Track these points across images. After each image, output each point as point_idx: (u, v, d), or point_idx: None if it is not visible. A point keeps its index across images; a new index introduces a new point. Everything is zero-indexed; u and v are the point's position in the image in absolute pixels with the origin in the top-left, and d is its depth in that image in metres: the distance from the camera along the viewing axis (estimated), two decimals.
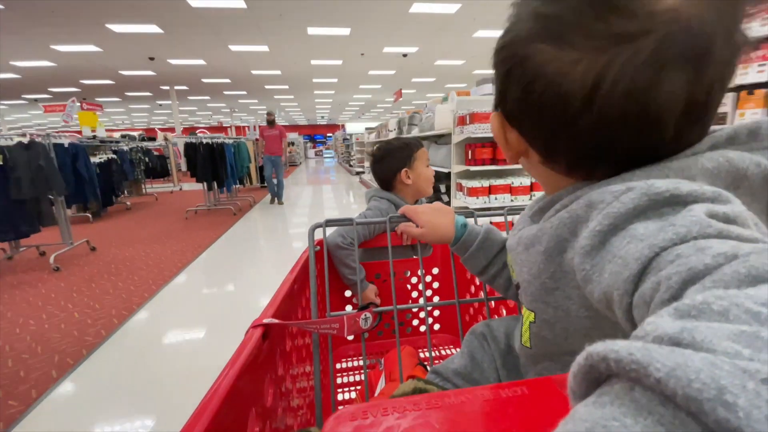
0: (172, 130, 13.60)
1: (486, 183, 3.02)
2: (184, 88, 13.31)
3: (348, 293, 1.19)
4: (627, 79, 0.31)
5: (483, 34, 8.32)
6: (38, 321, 2.38)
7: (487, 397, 0.31)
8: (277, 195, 6.66)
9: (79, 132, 7.01)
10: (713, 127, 0.35)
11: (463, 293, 1.19)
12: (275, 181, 6.60)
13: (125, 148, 6.51)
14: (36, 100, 13.93)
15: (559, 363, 0.46)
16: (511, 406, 0.30)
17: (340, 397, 1.05)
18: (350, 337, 1.15)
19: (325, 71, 11.70)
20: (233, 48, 8.73)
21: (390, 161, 1.26)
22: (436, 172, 4.18)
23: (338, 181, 11.10)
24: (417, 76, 13.01)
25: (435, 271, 1.24)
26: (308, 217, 5.32)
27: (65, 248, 3.70)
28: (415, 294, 1.25)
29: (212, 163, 5.35)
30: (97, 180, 4.37)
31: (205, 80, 12.29)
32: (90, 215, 5.37)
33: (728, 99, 1.87)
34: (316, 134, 34.76)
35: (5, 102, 14.51)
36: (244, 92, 14.90)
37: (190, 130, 13.82)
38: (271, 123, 6.38)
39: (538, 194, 0.52)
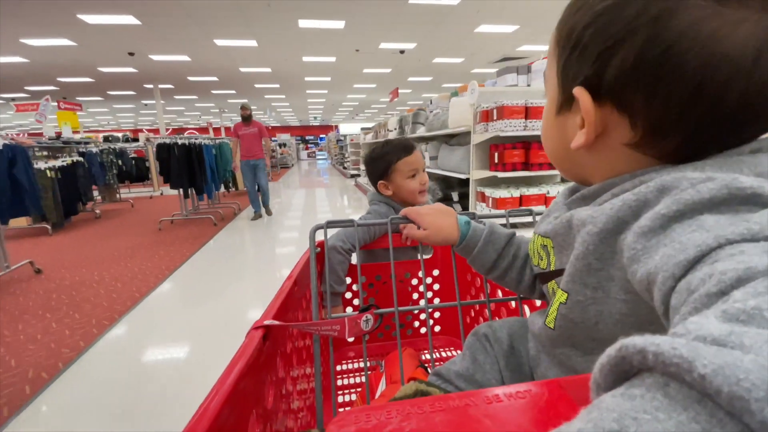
0: (158, 131, 12.87)
1: (516, 192, 2.45)
2: (170, 86, 12.64)
3: (348, 295, 1.19)
4: None
5: (485, 29, 7.83)
6: None
7: (491, 400, 0.30)
8: (263, 204, 5.47)
9: (59, 132, 6.31)
10: None
11: (464, 295, 1.19)
12: (260, 190, 5.40)
13: (94, 150, 5.82)
14: (13, 99, 13.13)
15: (579, 349, 0.45)
16: (515, 409, 0.29)
17: (340, 399, 1.04)
18: (351, 339, 1.15)
19: (317, 69, 11.13)
20: (219, 42, 8.14)
21: (370, 171, 1.23)
22: (448, 178, 3.64)
23: (331, 184, 10.48)
24: (413, 75, 12.51)
25: (436, 272, 1.24)
26: (299, 231, 4.61)
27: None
28: (415, 296, 1.25)
29: (189, 166, 4.69)
30: (38, 188, 3.71)
31: (191, 78, 11.65)
32: (49, 227, 4.69)
33: None
34: (308, 135, 34.21)
35: None
36: (233, 91, 14.26)
37: (179, 131, 13.14)
38: (247, 119, 5.02)
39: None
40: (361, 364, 1.17)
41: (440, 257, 1.24)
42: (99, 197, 6.98)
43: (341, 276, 1.09)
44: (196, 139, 4.88)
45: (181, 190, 4.91)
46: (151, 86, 11.95)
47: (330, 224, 0.82)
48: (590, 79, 0.37)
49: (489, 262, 0.66)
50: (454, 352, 1.22)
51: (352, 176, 11.53)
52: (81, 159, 5.29)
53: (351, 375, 1.14)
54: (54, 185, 4.59)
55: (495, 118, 2.37)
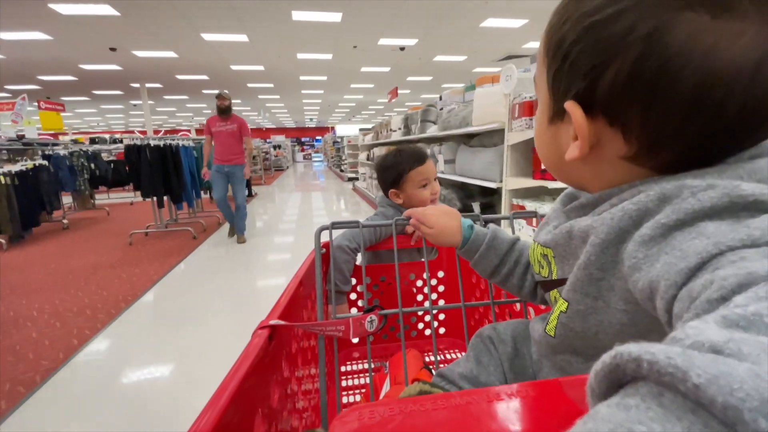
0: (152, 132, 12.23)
1: None
2: (158, 85, 12.02)
3: (353, 296, 1.19)
4: None
5: (492, 23, 7.31)
6: None
7: (493, 399, 0.30)
8: (237, 228, 4.23)
9: (21, 134, 5.66)
10: None
11: (468, 297, 1.16)
12: (236, 207, 4.22)
13: (62, 152, 5.18)
14: None
15: (580, 356, 0.45)
16: (516, 408, 0.29)
17: (344, 400, 1.03)
18: (355, 340, 1.16)
19: (313, 67, 10.57)
20: (207, 37, 7.57)
21: (381, 178, 1.22)
22: (467, 186, 3.05)
23: (328, 188, 9.90)
24: (413, 74, 12.00)
25: (440, 274, 1.24)
26: (291, 252, 3.93)
27: None
28: (420, 297, 1.25)
29: (163, 171, 4.07)
30: None
31: (179, 77, 11.05)
32: (4, 241, 4.06)
33: None
34: (304, 137, 33.72)
35: None
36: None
37: (172, 133, 12.52)
38: (224, 111, 3.97)
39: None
40: (366, 365, 1.17)
41: (445, 259, 1.24)
42: (72, 204, 6.33)
43: (347, 275, 1.08)
44: (172, 139, 4.25)
45: (155, 198, 4.25)
46: (137, 85, 11.32)
47: (335, 225, 0.84)
48: (582, 94, 0.36)
49: (490, 267, 0.66)
50: (458, 354, 1.21)
51: (350, 179, 10.93)
52: (45, 163, 4.66)
53: (355, 376, 1.14)
54: (9, 193, 3.98)
55: None
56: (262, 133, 29.44)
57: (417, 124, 4.00)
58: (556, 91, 0.39)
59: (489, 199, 2.65)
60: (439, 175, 3.22)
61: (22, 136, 5.26)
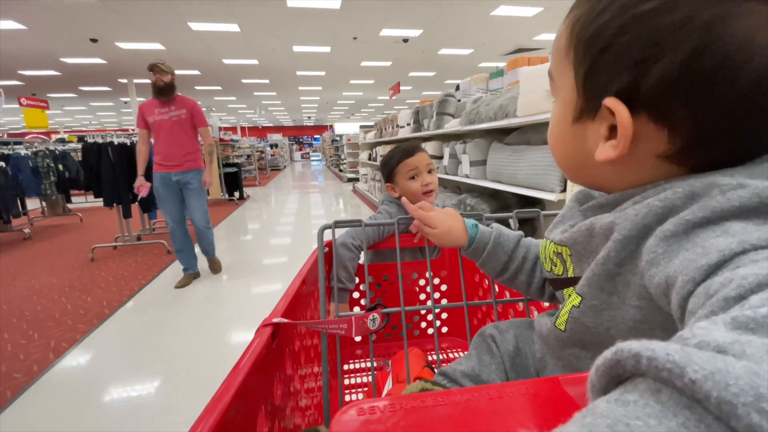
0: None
1: None
2: (146, 81, 11.28)
3: (356, 294, 1.20)
4: None
5: (504, 11, 6.72)
6: None
7: (494, 396, 0.30)
8: (204, 252, 3.13)
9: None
10: None
11: (471, 296, 1.19)
12: (195, 230, 3.02)
13: (23, 152, 4.53)
14: None
15: (589, 351, 0.45)
16: (517, 404, 0.30)
17: (347, 398, 1.03)
18: (358, 338, 1.17)
19: (310, 61, 9.98)
20: (195, 27, 6.98)
21: (382, 174, 1.28)
22: (501, 195, 2.42)
23: (326, 190, 9.26)
24: (415, 70, 11.41)
25: (443, 273, 1.25)
26: (282, 278, 3.07)
27: None
28: (423, 296, 1.26)
29: (129, 174, 3.43)
30: None
31: None
32: None
33: None
34: (302, 136, 33.17)
35: None
36: (219, 87, 13.01)
37: None
38: (164, 91, 2.71)
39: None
40: (368, 364, 1.18)
41: (448, 258, 1.25)
42: (43, 209, 5.69)
43: (351, 273, 1.10)
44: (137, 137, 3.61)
45: (120, 207, 3.60)
46: (125, 81, 10.67)
47: (338, 224, 0.85)
48: (626, 90, 0.33)
49: (499, 265, 0.66)
50: (460, 353, 1.20)
51: (350, 180, 10.30)
52: (2, 164, 4.02)
53: (358, 374, 1.15)
54: None
55: None
56: (259, 131, 28.83)
57: (431, 118, 3.38)
58: (591, 88, 0.36)
59: (532, 211, 2.01)
60: (464, 180, 2.61)
61: None
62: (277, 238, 4.41)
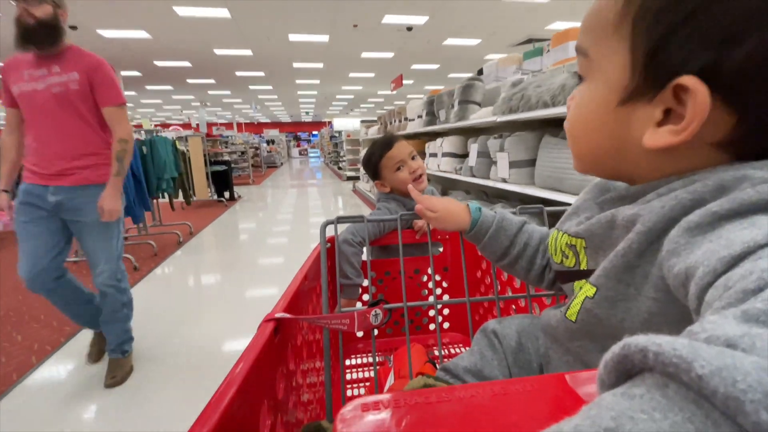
0: (138, 126, 10.75)
1: None
2: (136, 73, 10.84)
3: (358, 290, 1.22)
4: None
5: None
6: None
7: (497, 392, 0.30)
8: (108, 346, 1.76)
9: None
10: None
11: (473, 292, 1.20)
12: (109, 288, 1.70)
13: None
14: None
15: (598, 343, 0.45)
16: (520, 401, 0.30)
17: (349, 393, 1.04)
18: (360, 334, 1.19)
19: (307, 52, 9.49)
20: (181, 12, 6.46)
21: (368, 175, 1.27)
22: (550, 203, 1.91)
23: (324, 189, 8.71)
24: (419, 62, 10.91)
25: (445, 269, 1.26)
26: (275, 291, 2.65)
27: None
28: (425, 292, 1.27)
29: None
30: None
31: (158, 63, 9.94)
32: None
33: None
34: (300, 132, 32.58)
35: None
36: (212, 80, 12.43)
37: (163, 127, 11.29)
38: (36, 35, 1.47)
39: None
40: (370, 359, 1.19)
41: (450, 253, 1.26)
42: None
43: (357, 267, 1.10)
44: None
45: None
46: None
47: (341, 219, 0.86)
48: (705, 69, 0.31)
49: (500, 249, 0.66)
50: (462, 349, 1.22)
51: (349, 179, 9.74)
52: None
53: (360, 369, 1.15)
54: None
55: None
56: (255, 128, 28.17)
57: (450, 108, 2.82)
58: (657, 66, 0.33)
59: (536, 207, 1.47)
60: (502, 186, 2.08)
61: None
62: (267, 250, 3.82)
